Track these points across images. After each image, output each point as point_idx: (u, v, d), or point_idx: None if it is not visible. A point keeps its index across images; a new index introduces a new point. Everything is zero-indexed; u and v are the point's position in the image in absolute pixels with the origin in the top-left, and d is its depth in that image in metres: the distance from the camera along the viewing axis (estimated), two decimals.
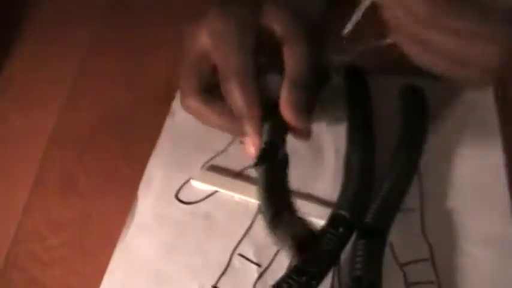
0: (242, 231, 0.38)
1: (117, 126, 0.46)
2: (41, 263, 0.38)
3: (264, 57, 0.38)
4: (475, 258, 0.35)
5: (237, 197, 0.40)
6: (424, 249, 0.36)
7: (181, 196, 0.41)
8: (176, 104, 0.46)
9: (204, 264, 0.37)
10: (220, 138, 0.42)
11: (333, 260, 0.34)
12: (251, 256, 0.37)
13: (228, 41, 0.36)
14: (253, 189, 0.36)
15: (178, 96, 0.46)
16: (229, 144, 0.43)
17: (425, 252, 0.36)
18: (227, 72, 0.36)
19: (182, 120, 0.44)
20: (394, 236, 0.36)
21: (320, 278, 0.33)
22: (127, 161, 0.43)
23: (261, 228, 0.37)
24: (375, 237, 0.34)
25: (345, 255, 0.34)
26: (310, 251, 0.32)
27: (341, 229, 0.34)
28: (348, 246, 0.34)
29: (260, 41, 0.37)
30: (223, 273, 0.36)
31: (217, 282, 0.36)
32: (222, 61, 0.37)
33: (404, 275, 0.35)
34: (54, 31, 0.56)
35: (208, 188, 0.41)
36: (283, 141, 0.36)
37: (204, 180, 0.41)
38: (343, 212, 0.35)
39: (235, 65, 0.36)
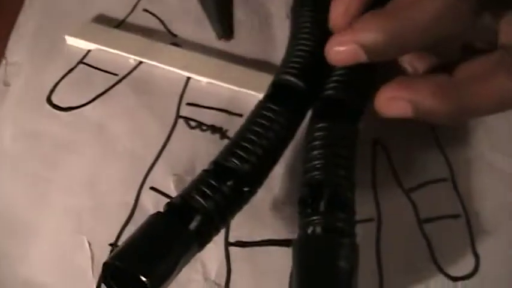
0: (154, 151, 0.25)
1: None
2: None
3: None
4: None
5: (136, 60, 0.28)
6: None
7: (57, 99, 0.27)
8: None
9: (96, 207, 0.24)
10: None
11: (275, 151, 0.21)
12: (170, 189, 0.24)
13: None
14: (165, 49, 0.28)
15: None
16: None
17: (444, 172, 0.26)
18: None
19: None
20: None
21: (256, 182, 0.21)
22: None
23: (183, 143, 0.25)
24: (341, 118, 0.22)
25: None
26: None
27: (287, 102, 0.22)
28: (300, 133, 0.22)
29: None
30: (128, 221, 0.23)
31: (119, 235, 0.23)
32: None
33: (414, 206, 0.25)
34: None
35: (91, 46, 0.28)
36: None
37: (85, 37, 0.28)
38: (289, 78, 0.22)
39: None
